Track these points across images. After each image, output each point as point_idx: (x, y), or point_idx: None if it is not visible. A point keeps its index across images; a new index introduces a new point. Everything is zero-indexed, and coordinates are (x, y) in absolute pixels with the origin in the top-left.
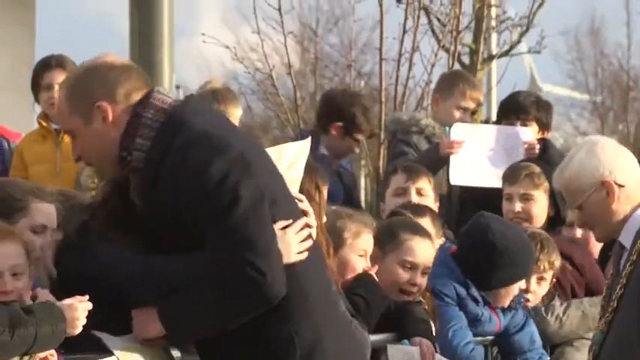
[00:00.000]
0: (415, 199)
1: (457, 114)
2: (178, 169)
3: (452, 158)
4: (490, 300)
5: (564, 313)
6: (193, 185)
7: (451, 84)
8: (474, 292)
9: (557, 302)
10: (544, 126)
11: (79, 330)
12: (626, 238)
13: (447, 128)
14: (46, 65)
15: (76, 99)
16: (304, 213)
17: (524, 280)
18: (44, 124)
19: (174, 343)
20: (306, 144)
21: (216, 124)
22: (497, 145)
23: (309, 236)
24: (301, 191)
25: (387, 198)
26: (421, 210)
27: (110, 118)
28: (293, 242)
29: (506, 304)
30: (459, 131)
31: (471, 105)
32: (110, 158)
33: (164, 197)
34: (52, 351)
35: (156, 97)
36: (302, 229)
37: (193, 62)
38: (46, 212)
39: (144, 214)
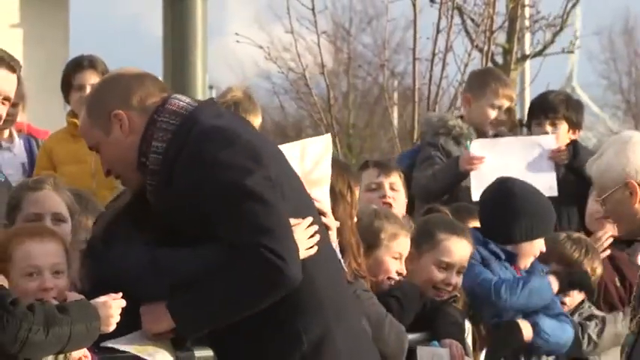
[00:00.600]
0: (390, 193)
1: (491, 113)
2: (191, 162)
3: (472, 174)
4: (512, 258)
5: (598, 335)
6: (206, 176)
7: (483, 83)
8: (494, 246)
9: (592, 322)
10: (574, 125)
11: (112, 327)
12: None
13: (468, 143)
14: (79, 65)
15: (94, 112)
16: (321, 213)
17: (543, 244)
18: (76, 121)
19: (186, 335)
20: (327, 139)
21: (230, 121)
22: (519, 158)
23: (318, 233)
24: (333, 191)
25: (360, 194)
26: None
27: (127, 125)
28: (301, 239)
29: (528, 265)
30: (478, 147)
31: (505, 102)
32: (131, 165)
33: (179, 192)
34: (86, 352)
35: (172, 102)
36: (310, 225)
37: (226, 62)
38: (38, 201)
39: (160, 212)
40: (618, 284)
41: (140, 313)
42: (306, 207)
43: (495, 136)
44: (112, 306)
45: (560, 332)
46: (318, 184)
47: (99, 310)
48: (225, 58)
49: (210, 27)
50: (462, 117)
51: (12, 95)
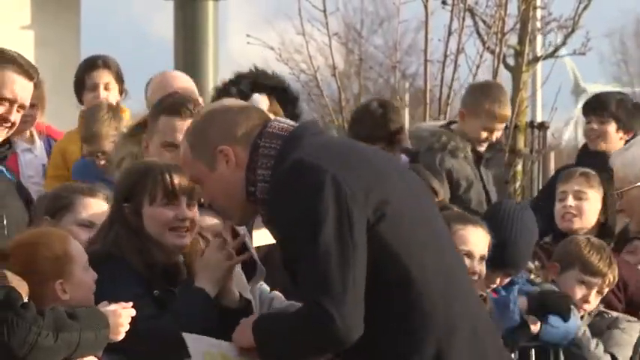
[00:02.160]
0: None
1: (484, 134)
2: (269, 203)
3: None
4: None
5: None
6: (280, 219)
7: (478, 102)
8: None
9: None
10: (624, 126)
11: (121, 336)
12: None
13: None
14: (92, 65)
15: (197, 147)
16: None
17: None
18: None
19: (262, 358)
20: None
21: (324, 150)
22: None
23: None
24: None
25: None
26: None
27: (233, 160)
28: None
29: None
30: None
31: (497, 125)
32: (238, 199)
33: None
34: (96, 358)
35: (272, 125)
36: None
37: (237, 63)
38: (92, 208)
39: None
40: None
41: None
42: (426, 219)
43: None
44: (122, 315)
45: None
46: None
47: (109, 318)
48: (237, 59)
49: (222, 28)
50: (451, 122)
51: (27, 103)
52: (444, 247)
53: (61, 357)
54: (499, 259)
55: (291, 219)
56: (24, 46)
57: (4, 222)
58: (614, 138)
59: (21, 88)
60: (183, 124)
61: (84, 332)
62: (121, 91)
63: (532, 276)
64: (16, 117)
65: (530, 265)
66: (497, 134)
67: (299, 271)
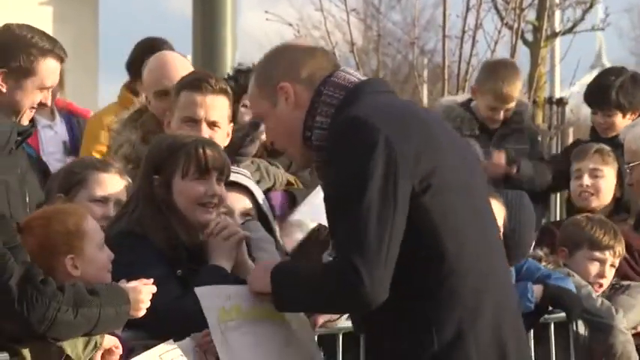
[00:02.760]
0: None
1: (490, 113)
2: (326, 151)
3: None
4: None
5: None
6: (329, 176)
7: (485, 80)
8: None
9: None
10: (630, 110)
11: (142, 313)
12: None
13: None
14: (154, 47)
15: (262, 82)
16: None
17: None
18: (131, 97)
19: (275, 305)
20: None
21: (381, 109)
22: None
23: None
24: None
25: None
26: None
27: (292, 98)
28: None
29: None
30: None
31: (501, 105)
32: (296, 140)
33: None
34: (117, 342)
35: (339, 75)
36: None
37: (255, 39)
38: (106, 184)
39: (325, 192)
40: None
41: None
42: (472, 193)
43: (495, 131)
44: (143, 291)
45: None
46: None
47: (129, 294)
48: (255, 36)
49: (240, 3)
50: (471, 100)
51: (56, 83)
52: (486, 226)
53: (81, 332)
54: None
55: (340, 175)
56: (42, 22)
57: (27, 199)
58: (623, 124)
59: (57, 74)
60: (204, 99)
61: (104, 308)
62: None
63: (543, 263)
64: (40, 96)
65: (539, 252)
66: (503, 114)
67: (338, 226)
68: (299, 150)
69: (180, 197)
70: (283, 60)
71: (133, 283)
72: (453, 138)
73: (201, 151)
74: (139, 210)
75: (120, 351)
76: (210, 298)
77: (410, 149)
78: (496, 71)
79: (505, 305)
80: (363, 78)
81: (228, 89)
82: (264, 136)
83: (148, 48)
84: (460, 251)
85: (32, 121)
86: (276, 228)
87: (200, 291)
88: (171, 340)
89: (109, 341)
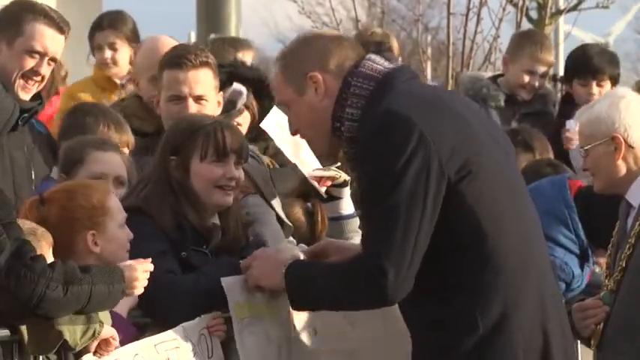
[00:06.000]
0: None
1: (525, 77)
2: (360, 148)
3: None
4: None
5: None
6: (362, 170)
7: (520, 46)
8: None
9: None
10: (616, 81)
11: (139, 291)
12: (634, 197)
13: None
14: (98, 26)
15: (289, 70)
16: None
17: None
18: (107, 73)
19: (292, 305)
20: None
21: (414, 99)
22: None
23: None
24: None
25: None
26: None
27: (322, 88)
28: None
29: None
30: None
31: (540, 68)
32: (323, 130)
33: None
34: (115, 333)
35: (366, 65)
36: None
37: (260, 16)
38: (105, 161)
39: (358, 185)
40: None
41: (254, 257)
42: (509, 180)
43: (526, 101)
44: (138, 269)
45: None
46: (301, 146)
47: (124, 272)
48: (259, 12)
49: None
50: (498, 76)
51: (58, 56)
52: (524, 211)
53: (71, 310)
54: None
55: (373, 171)
56: (45, 0)
57: (33, 176)
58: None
59: (51, 41)
60: (186, 76)
61: (95, 286)
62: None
63: None
64: (46, 70)
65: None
66: (538, 81)
67: (367, 221)
68: (326, 140)
69: (197, 179)
70: (311, 49)
71: (128, 262)
72: (486, 123)
73: (220, 134)
74: (148, 189)
75: (117, 342)
76: (232, 290)
77: (445, 142)
78: (531, 37)
79: (546, 288)
80: (389, 66)
81: (210, 60)
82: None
83: (96, 26)
84: (499, 235)
85: (40, 97)
86: (277, 204)
87: (225, 281)
88: (170, 331)
89: (108, 331)
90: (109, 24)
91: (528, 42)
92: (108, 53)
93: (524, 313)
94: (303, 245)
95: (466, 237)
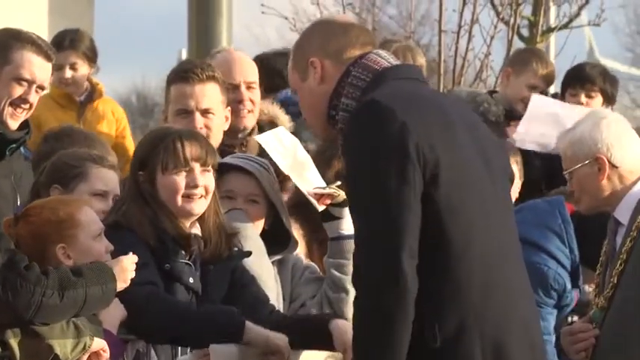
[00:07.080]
0: None
1: (526, 92)
2: (345, 137)
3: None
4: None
5: None
6: (347, 158)
7: (525, 61)
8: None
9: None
10: (609, 99)
11: (127, 283)
12: (622, 215)
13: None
14: (59, 45)
15: (296, 57)
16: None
17: None
18: (66, 91)
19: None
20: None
21: (402, 95)
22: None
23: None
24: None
25: None
26: None
27: (320, 73)
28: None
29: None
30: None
31: (541, 85)
32: (321, 116)
33: None
34: (105, 346)
35: (370, 57)
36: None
37: (252, 33)
38: (105, 178)
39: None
40: None
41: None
42: (483, 184)
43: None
44: (124, 261)
45: None
46: (306, 167)
47: (113, 268)
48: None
49: None
50: (492, 92)
51: (46, 84)
52: (498, 230)
53: (68, 315)
54: None
55: (357, 161)
56: (37, 14)
57: (18, 202)
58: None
59: (39, 69)
60: (193, 89)
61: (90, 288)
62: (92, 67)
63: None
64: (34, 98)
65: None
66: None
67: (357, 215)
68: (322, 125)
69: (163, 191)
70: (316, 34)
71: (115, 260)
72: (478, 135)
73: (179, 144)
74: (126, 205)
75: (107, 355)
76: (220, 358)
77: (425, 137)
78: (537, 53)
79: (515, 310)
80: (395, 62)
81: (217, 74)
82: None
83: (56, 46)
84: (466, 245)
85: (28, 126)
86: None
87: (214, 349)
88: None
89: (98, 344)
90: (70, 44)
91: (534, 57)
92: (69, 73)
93: (486, 327)
94: (313, 264)
95: (431, 243)
